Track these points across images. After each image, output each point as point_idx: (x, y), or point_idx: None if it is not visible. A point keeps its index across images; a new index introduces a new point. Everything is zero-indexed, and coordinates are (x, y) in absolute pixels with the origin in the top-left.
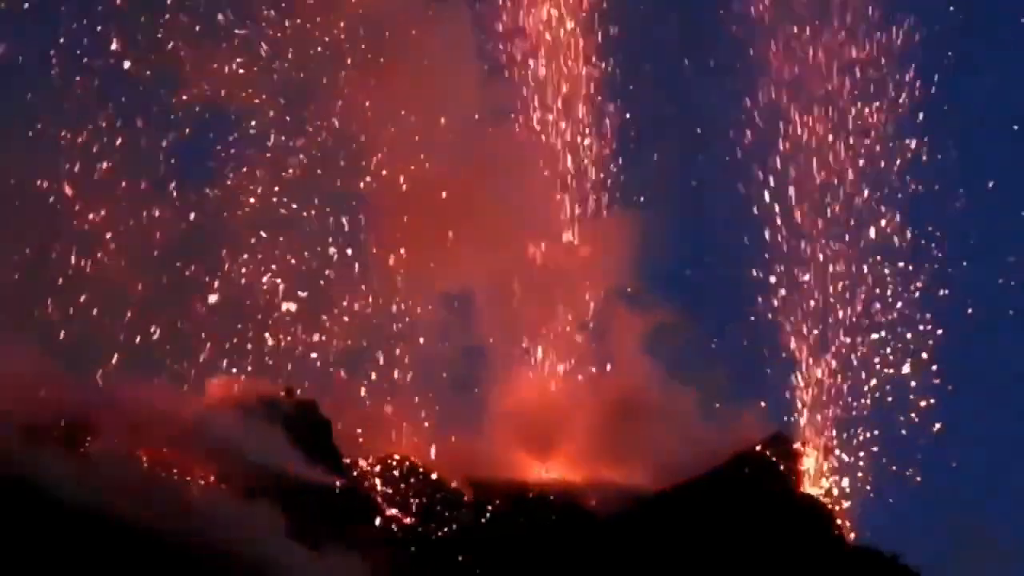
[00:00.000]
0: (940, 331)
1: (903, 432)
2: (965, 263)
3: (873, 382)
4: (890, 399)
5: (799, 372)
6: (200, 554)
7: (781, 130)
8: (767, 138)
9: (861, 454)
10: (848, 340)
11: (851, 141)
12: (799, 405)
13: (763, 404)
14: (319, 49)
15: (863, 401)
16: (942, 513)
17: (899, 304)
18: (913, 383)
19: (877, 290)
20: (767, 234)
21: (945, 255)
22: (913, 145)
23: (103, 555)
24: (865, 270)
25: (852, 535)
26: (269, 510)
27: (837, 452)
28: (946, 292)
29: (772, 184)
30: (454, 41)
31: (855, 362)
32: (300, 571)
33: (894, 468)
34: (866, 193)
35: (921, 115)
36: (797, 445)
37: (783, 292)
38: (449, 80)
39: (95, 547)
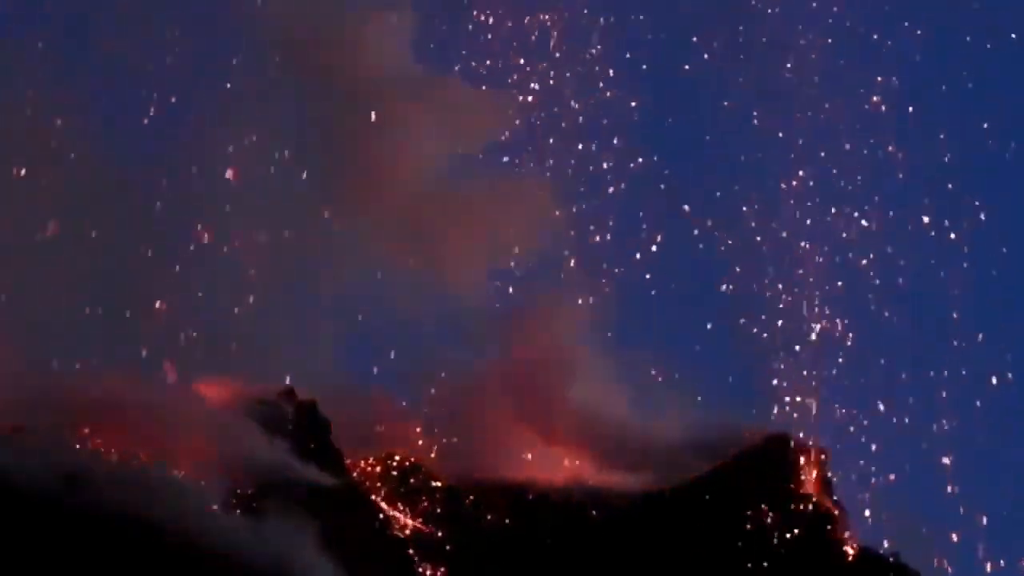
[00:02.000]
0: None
1: (903, 432)
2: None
3: (874, 382)
4: (891, 399)
5: (800, 372)
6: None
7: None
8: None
9: (861, 454)
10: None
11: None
12: (798, 406)
13: (762, 404)
14: None
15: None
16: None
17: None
18: (913, 385)
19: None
20: (768, 233)
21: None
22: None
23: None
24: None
25: (851, 535)
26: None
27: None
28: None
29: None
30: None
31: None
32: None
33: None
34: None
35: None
36: (797, 445)
37: (785, 293)
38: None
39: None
